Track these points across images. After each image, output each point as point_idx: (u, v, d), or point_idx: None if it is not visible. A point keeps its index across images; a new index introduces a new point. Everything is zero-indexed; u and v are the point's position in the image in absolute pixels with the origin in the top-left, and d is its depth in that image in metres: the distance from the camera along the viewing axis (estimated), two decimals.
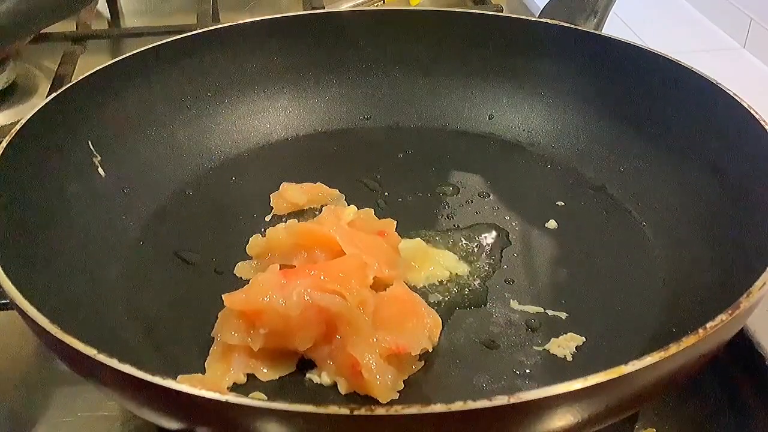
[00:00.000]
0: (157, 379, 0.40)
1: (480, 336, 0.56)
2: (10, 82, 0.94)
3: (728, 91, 0.64)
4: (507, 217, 0.68)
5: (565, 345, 0.55)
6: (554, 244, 0.66)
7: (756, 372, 0.56)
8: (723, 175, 0.63)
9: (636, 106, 0.72)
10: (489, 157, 0.76)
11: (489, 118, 0.79)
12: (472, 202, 0.70)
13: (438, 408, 0.38)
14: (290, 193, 0.69)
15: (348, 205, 0.69)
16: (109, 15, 1.18)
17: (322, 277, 0.53)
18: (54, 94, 0.65)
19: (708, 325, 0.43)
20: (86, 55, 0.98)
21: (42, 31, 0.96)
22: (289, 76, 0.80)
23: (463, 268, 0.62)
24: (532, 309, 0.58)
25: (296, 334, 0.52)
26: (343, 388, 0.51)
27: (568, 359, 0.54)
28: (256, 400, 0.39)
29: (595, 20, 0.77)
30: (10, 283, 0.47)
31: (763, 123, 0.60)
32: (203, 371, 0.53)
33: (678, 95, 0.69)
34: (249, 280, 0.55)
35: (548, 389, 0.38)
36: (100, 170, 0.67)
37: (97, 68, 0.70)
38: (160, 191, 0.70)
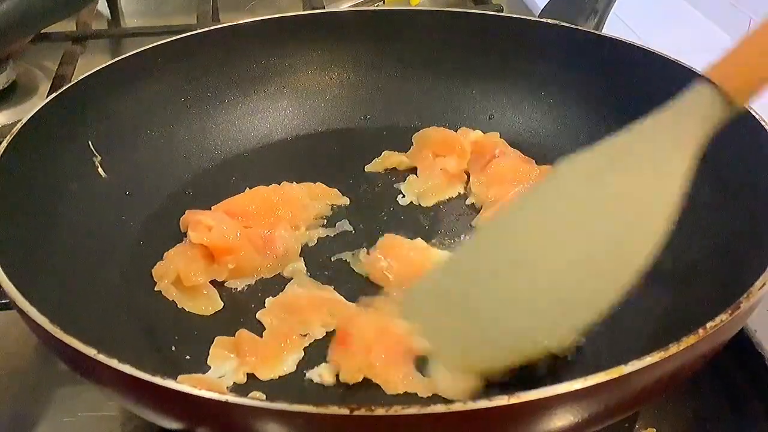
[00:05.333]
0: (157, 379, 0.40)
1: None
2: (10, 82, 0.94)
3: None
4: None
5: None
6: None
7: (756, 372, 0.56)
8: (723, 175, 0.62)
9: (636, 106, 0.71)
10: None
11: (489, 118, 0.79)
12: (473, 202, 0.70)
13: (438, 408, 0.38)
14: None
15: (348, 205, 0.69)
16: (109, 15, 1.18)
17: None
18: (54, 94, 0.65)
19: (708, 325, 0.43)
20: (86, 55, 0.98)
21: (42, 31, 0.96)
22: (289, 76, 0.80)
23: None
24: None
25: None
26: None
27: (568, 359, 0.54)
28: (255, 400, 0.39)
29: (595, 20, 0.77)
30: (10, 283, 0.47)
31: (763, 123, 0.60)
32: (203, 371, 0.53)
33: (678, 95, 0.68)
34: None
35: (548, 389, 0.39)
36: (100, 170, 0.67)
37: (97, 68, 0.70)
38: (160, 191, 0.70)
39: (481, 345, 0.50)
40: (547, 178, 0.52)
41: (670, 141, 0.50)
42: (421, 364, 0.53)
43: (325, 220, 0.68)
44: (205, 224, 0.62)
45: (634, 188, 0.49)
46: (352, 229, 0.67)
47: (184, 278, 0.60)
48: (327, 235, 0.66)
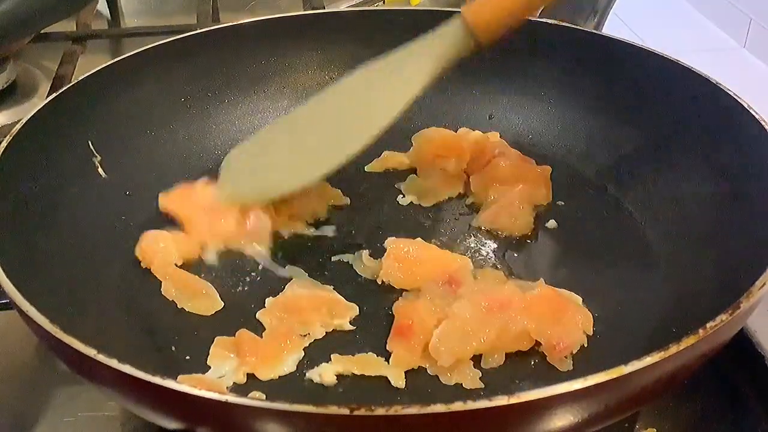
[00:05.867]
0: (157, 379, 0.40)
1: None
2: (10, 82, 0.94)
3: (728, 91, 0.64)
4: None
5: None
6: (554, 244, 0.66)
7: (756, 372, 0.56)
8: (723, 175, 0.63)
9: (636, 105, 0.72)
10: None
11: (489, 118, 0.79)
12: (473, 202, 0.70)
13: (438, 408, 0.38)
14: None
15: (348, 205, 0.69)
16: (109, 15, 1.18)
17: None
18: (54, 94, 0.65)
19: (708, 325, 0.43)
20: (86, 55, 0.98)
21: (42, 31, 0.96)
22: (289, 76, 0.80)
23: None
24: None
25: None
26: None
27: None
28: (255, 400, 0.39)
29: (595, 20, 0.78)
30: (10, 283, 0.47)
31: (763, 123, 0.60)
32: (203, 371, 0.53)
33: (678, 95, 0.69)
34: None
35: (548, 389, 0.39)
36: (100, 170, 0.67)
37: (97, 68, 0.70)
38: (160, 191, 0.70)
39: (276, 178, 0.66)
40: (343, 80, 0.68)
41: (422, 61, 0.64)
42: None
43: (325, 220, 0.68)
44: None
45: (382, 91, 0.65)
46: (352, 229, 0.67)
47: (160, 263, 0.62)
48: (327, 235, 0.66)
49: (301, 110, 0.69)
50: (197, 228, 0.65)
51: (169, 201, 0.67)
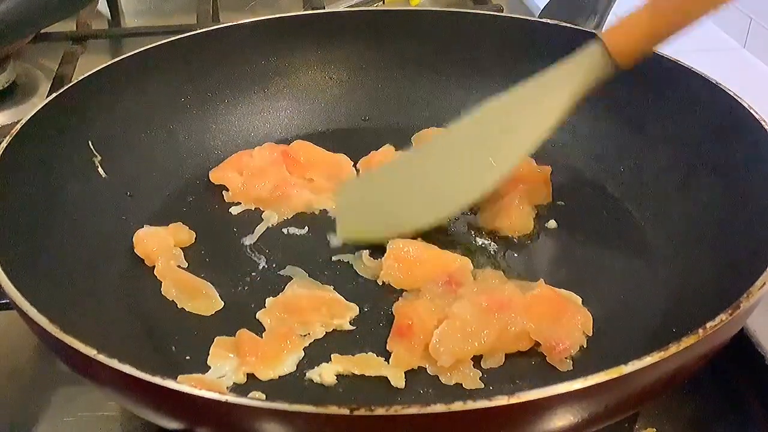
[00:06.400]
0: (157, 379, 0.40)
1: None
2: (10, 82, 0.94)
3: (728, 91, 0.64)
4: None
5: None
6: (554, 244, 0.66)
7: (756, 372, 0.56)
8: (722, 175, 0.63)
9: (636, 106, 0.72)
10: None
11: None
12: None
13: (438, 408, 0.38)
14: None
15: None
16: (109, 15, 1.18)
17: None
18: (54, 94, 0.65)
19: (708, 325, 0.43)
20: (86, 55, 0.98)
21: (42, 31, 0.96)
22: (289, 76, 0.80)
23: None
24: None
25: None
26: None
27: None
28: (255, 400, 0.39)
29: (595, 20, 0.77)
30: (10, 283, 0.47)
31: (763, 123, 0.60)
32: (203, 371, 0.53)
33: (678, 95, 0.69)
34: None
35: (548, 389, 0.39)
36: (100, 170, 0.67)
37: (97, 68, 0.70)
38: (160, 191, 0.70)
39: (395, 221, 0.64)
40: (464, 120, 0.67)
41: (560, 91, 0.62)
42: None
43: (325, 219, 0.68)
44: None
45: (519, 124, 0.64)
46: None
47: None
48: (327, 235, 0.66)
49: (429, 145, 0.68)
50: (233, 188, 0.70)
51: (218, 171, 0.72)
